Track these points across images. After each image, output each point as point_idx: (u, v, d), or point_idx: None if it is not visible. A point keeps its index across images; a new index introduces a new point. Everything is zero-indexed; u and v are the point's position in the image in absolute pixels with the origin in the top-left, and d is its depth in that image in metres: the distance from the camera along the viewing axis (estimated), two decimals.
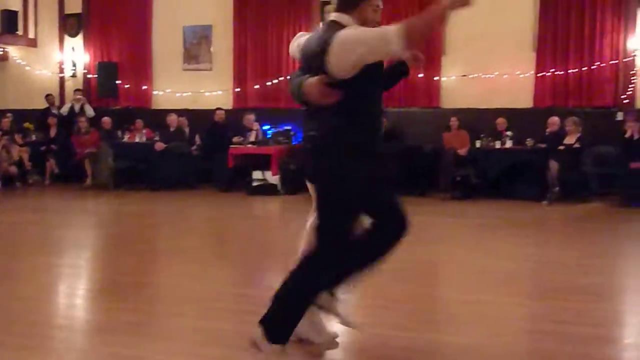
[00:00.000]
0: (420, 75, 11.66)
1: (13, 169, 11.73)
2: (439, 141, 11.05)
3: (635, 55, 10.90)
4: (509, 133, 10.75)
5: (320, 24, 4.20)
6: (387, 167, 3.71)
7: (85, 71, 13.71)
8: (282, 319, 3.30)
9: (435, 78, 11.70)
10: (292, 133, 11.85)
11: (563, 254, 6.27)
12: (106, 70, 13.14)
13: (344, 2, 3.34)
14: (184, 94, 13.08)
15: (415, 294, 4.85)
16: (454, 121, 11.00)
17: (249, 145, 11.42)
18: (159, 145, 11.51)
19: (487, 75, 11.39)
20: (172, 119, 12.01)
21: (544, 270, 5.71)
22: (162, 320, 4.21)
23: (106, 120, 12.52)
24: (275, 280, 5.32)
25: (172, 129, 11.93)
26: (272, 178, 10.98)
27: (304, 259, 3.41)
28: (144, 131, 12.22)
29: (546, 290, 5.08)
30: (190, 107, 12.81)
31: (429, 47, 11.68)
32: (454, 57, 11.66)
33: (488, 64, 11.39)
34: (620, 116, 10.67)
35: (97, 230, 8.19)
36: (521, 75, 11.26)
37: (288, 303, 3.34)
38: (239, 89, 12.76)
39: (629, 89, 10.91)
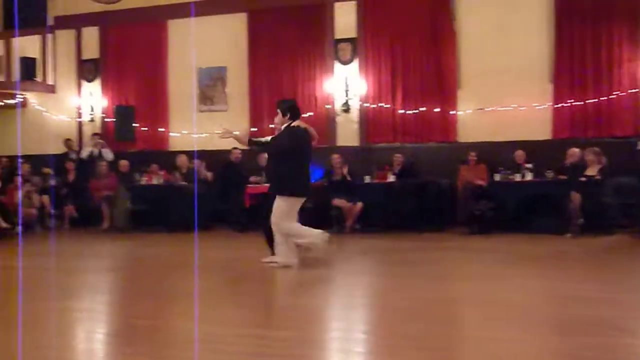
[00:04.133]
0: (437, 109, 11.65)
1: (33, 212, 11.78)
2: (456, 176, 10.97)
3: None
4: (528, 165, 10.63)
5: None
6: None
7: (103, 115, 13.86)
8: None
9: (452, 112, 11.66)
10: None
11: (584, 288, 6.09)
12: (123, 114, 13.26)
13: None
14: (200, 136, 13.13)
15: (431, 332, 4.69)
16: (472, 156, 10.94)
17: (266, 184, 11.35)
18: (178, 178, 11.68)
19: (504, 108, 11.33)
20: (182, 160, 12.06)
21: (564, 304, 5.53)
22: None
23: (123, 163, 12.59)
24: (292, 320, 5.26)
25: (183, 171, 11.95)
26: None
27: None
28: (161, 173, 12.25)
29: (566, 325, 4.89)
30: (207, 148, 12.84)
31: (444, 81, 11.69)
32: (470, 91, 11.65)
33: (504, 96, 11.35)
34: None
35: (113, 273, 8.12)
36: (538, 107, 11.18)
37: None
38: (254, 129, 12.79)
39: None
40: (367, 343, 4.56)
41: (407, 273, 7.24)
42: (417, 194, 10.76)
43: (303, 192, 7.38)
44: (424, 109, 11.83)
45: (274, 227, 7.30)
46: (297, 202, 7.34)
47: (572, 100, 11.08)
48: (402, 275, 7.08)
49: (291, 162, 7.24)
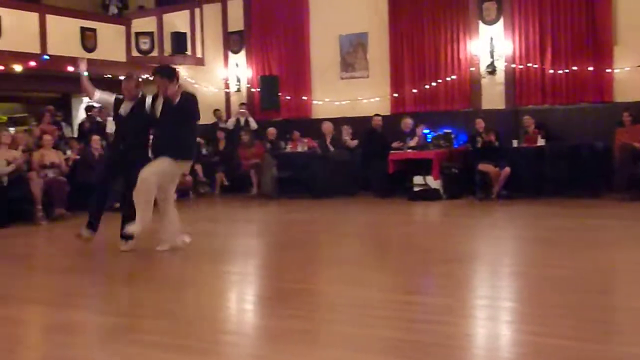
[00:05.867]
0: (590, 68, 10.97)
1: (189, 179, 12.44)
2: (612, 138, 10.31)
3: None
4: None
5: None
6: None
7: (249, 85, 14.29)
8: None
9: (607, 70, 10.92)
10: (452, 136, 11.58)
11: None
12: (268, 84, 13.58)
13: None
14: (342, 103, 13.22)
15: (585, 302, 4.47)
16: (626, 116, 10.24)
17: (409, 150, 11.28)
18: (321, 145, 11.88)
19: None
20: (327, 127, 12.22)
21: None
22: (329, 328, 4.19)
23: (271, 131, 12.98)
24: (440, 287, 5.21)
25: (328, 138, 12.11)
26: (434, 183, 10.78)
27: None
28: (305, 140, 12.49)
29: None
30: (349, 115, 12.92)
31: (597, 37, 10.97)
32: (627, 46, 10.85)
33: None
34: None
35: (263, 238, 8.43)
36: None
37: None
38: (396, 94, 12.68)
39: None
40: (516, 312, 4.41)
41: (560, 241, 6.93)
42: (569, 158, 10.24)
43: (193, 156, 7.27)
44: (575, 68, 11.17)
45: (145, 185, 6.57)
46: (185, 167, 7.21)
47: None
48: (554, 243, 6.79)
49: (194, 126, 7.01)
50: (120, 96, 7.09)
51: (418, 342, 3.73)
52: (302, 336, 3.95)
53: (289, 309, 4.58)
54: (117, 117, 7.11)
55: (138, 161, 6.75)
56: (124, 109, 7.00)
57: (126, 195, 6.99)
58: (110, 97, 7.14)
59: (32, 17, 12.56)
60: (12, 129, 12.31)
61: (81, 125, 13.30)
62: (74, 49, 12.94)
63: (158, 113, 6.79)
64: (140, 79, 7.31)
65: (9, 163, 9.46)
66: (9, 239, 8.11)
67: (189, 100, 6.85)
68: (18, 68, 11.47)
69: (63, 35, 12.93)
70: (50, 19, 12.81)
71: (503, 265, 6.01)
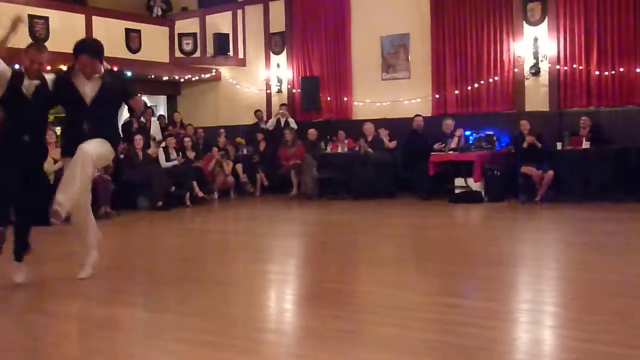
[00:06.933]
0: (638, 70, 10.72)
1: (231, 180, 12.57)
2: None
3: None
4: None
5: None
6: None
7: (290, 86, 14.33)
8: None
9: None
10: (494, 138, 11.44)
11: None
12: (309, 84, 13.62)
13: None
14: (383, 104, 13.17)
15: (636, 308, 4.37)
16: None
17: (450, 152, 11.18)
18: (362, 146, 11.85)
19: None
20: (368, 128, 12.20)
21: None
22: (370, 329, 4.18)
23: (312, 131, 13.01)
24: (483, 291, 5.15)
25: (369, 138, 12.08)
26: (475, 185, 10.67)
27: None
28: (345, 141, 12.48)
29: None
30: (389, 116, 12.86)
31: None
32: None
33: None
34: None
35: (303, 238, 8.45)
36: None
37: None
38: (437, 96, 12.59)
39: None
40: (560, 317, 4.34)
41: (606, 245, 6.80)
42: (615, 161, 10.03)
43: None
44: (622, 69, 10.93)
45: (84, 158, 5.33)
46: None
47: None
48: (600, 247, 6.66)
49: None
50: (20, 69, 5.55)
51: (460, 346, 3.69)
52: (343, 336, 3.95)
53: (330, 309, 4.58)
54: (14, 98, 5.37)
55: (40, 161, 5.72)
56: (27, 87, 5.42)
57: (23, 206, 5.55)
58: (7, 70, 5.36)
59: (79, 19, 12.80)
60: (58, 129, 12.55)
61: (127, 125, 13.51)
62: (118, 49, 13.14)
63: (88, 99, 5.50)
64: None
65: (55, 161, 9.65)
66: (55, 236, 8.27)
67: (125, 82, 6.08)
68: (64, 68, 11.68)
69: (108, 36, 13.11)
70: (96, 20, 13.04)
71: (547, 269, 5.92)
